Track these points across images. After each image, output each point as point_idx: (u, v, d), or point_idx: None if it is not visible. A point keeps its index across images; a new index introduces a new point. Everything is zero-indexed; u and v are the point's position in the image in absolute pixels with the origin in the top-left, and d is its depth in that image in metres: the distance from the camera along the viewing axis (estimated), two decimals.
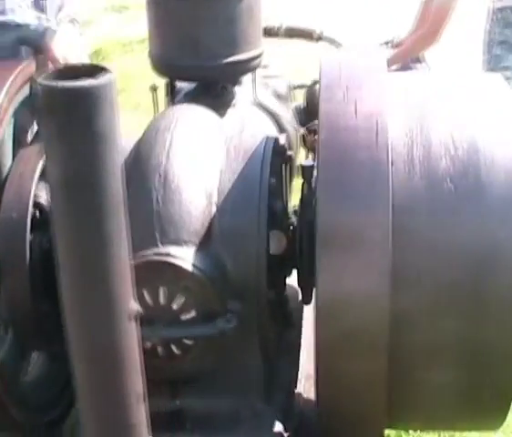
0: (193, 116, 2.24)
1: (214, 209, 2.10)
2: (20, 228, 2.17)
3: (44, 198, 2.25)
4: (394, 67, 4.23)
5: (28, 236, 2.18)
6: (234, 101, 2.68)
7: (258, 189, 2.11)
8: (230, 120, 2.57)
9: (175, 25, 2.45)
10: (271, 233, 2.11)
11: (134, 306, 1.54)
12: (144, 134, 2.20)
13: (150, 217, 2.04)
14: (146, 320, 2.00)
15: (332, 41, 3.24)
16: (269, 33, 3.18)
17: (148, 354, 2.06)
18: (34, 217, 2.22)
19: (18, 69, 2.23)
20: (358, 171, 1.85)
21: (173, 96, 2.71)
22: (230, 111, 2.64)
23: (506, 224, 1.86)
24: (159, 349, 2.06)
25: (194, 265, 1.99)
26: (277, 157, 2.23)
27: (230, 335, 2.00)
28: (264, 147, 2.20)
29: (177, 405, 2.17)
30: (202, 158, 2.15)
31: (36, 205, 2.24)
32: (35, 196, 2.24)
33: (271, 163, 2.16)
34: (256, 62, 2.57)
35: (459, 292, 1.88)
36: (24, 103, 2.31)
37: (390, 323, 1.85)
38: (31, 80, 2.30)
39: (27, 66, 2.30)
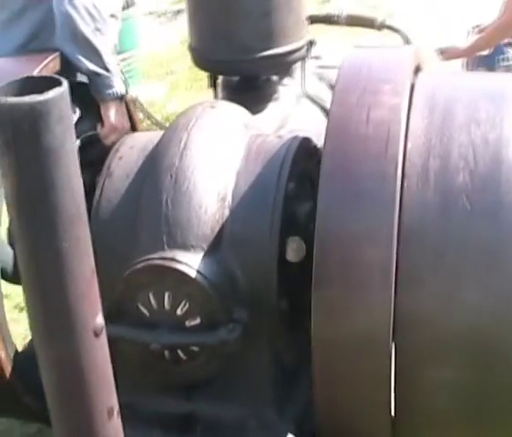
0: (215, 115, 2.16)
1: (227, 214, 2.02)
2: None
3: None
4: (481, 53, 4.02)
5: None
6: (278, 94, 2.58)
7: (273, 194, 2.02)
8: (269, 116, 2.49)
9: (210, 18, 2.39)
10: (289, 240, 2.01)
11: (100, 321, 1.51)
12: (164, 132, 2.16)
13: (159, 219, 1.99)
14: (151, 324, 2.00)
15: (395, 30, 3.06)
16: (329, 21, 3.04)
17: (157, 357, 2.05)
18: None
19: (44, 63, 2.23)
20: (362, 185, 1.73)
21: (215, 88, 2.65)
22: (271, 105, 2.55)
23: None
24: (166, 353, 2.02)
25: (199, 271, 1.93)
26: (303, 158, 2.13)
27: (232, 345, 1.93)
28: (287, 147, 2.10)
29: (188, 409, 2.14)
30: (218, 159, 2.08)
31: None
32: None
33: (293, 165, 2.06)
34: (296, 55, 2.47)
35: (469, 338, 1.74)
36: None
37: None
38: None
39: (53, 61, 2.29)
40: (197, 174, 2.02)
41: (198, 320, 1.96)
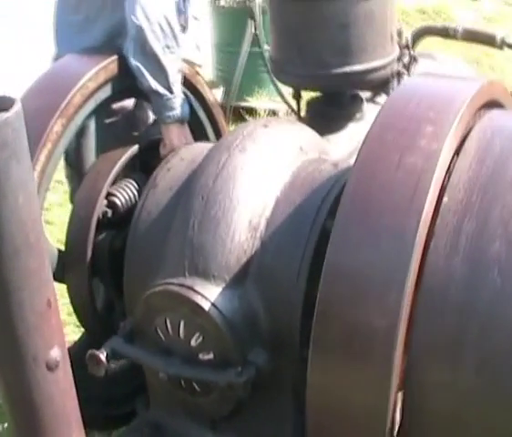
0: (264, 135, 2.00)
1: (257, 245, 1.87)
2: (85, 226, 2.14)
3: (120, 197, 2.20)
4: None
5: (92, 235, 2.15)
6: (362, 114, 2.38)
7: (308, 231, 1.84)
8: (344, 138, 2.30)
9: (285, 31, 2.24)
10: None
11: (56, 354, 1.43)
12: (209, 150, 2.03)
13: (184, 242, 1.88)
14: (166, 350, 1.90)
15: None
16: (445, 34, 2.78)
17: (174, 385, 1.95)
18: (105, 216, 2.18)
19: (102, 64, 2.17)
20: (377, 240, 1.51)
21: (298, 101, 2.48)
22: (351, 126, 2.35)
23: None
24: (182, 382, 1.92)
25: (215, 305, 1.80)
26: None
27: (239, 388, 1.79)
28: (335, 180, 1.91)
29: None
30: (257, 185, 1.92)
31: (111, 204, 2.19)
32: (110, 195, 2.19)
33: (336, 202, 1.86)
34: (379, 73, 2.25)
35: None
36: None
37: None
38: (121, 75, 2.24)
39: (113, 63, 2.23)
40: (228, 198, 1.88)
41: (211, 355, 1.84)
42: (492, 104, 1.82)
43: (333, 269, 1.56)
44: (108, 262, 2.19)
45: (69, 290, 2.22)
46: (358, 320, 1.52)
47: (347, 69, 2.19)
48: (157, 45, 2.23)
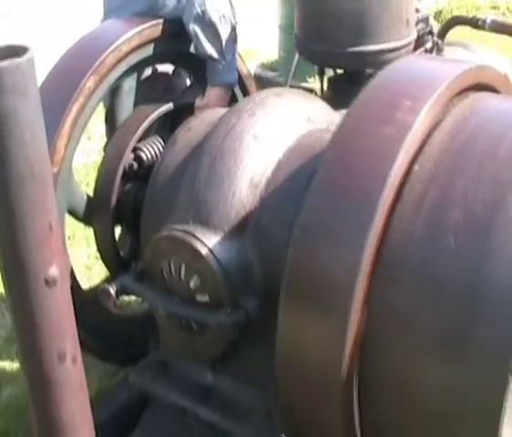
0: (275, 103, 2.17)
1: (256, 202, 2.05)
2: (111, 176, 2.36)
3: (146, 152, 2.41)
4: None
5: (117, 185, 2.36)
6: None
7: (302, 192, 1.99)
8: None
9: (308, 13, 2.42)
10: None
11: (54, 273, 1.64)
12: (224, 113, 2.22)
13: (192, 194, 2.07)
14: (169, 290, 2.10)
15: None
16: (474, 25, 2.88)
17: (174, 324, 2.16)
18: (131, 168, 2.40)
19: (138, 28, 2.38)
20: (345, 203, 1.68)
21: (322, 78, 2.65)
22: None
23: None
24: (183, 322, 2.12)
25: (211, 251, 1.99)
26: None
27: (228, 329, 1.98)
28: None
29: (210, 380, 2.22)
30: (261, 146, 2.10)
31: (137, 158, 2.41)
32: (137, 149, 2.40)
33: None
34: (392, 54, 2.38)
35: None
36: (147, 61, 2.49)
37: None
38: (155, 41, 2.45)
39: (150, 28, 2.43)
40: (233, 157, 2.06)
41: (207, 298, 2.03)
42: (482, 87, 1.94)
43: (305, 224, 1.73)
44: (132, 211, 2.41)
45: (96, 236, 2.45)
46: (322, 273, 1.68)
47: (362, 49, 2.35)
48: (215, 14, 2.45)
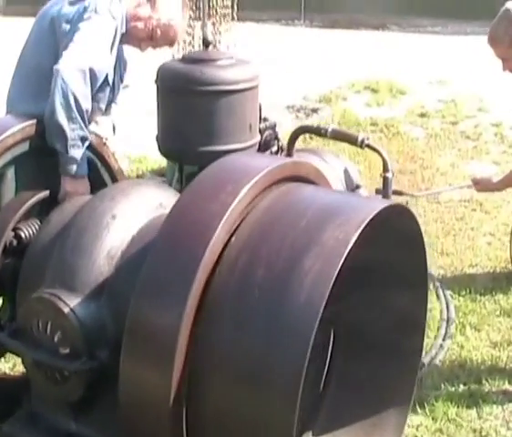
0: (132, 191, 2.65)
1: (112, 270, 2.47)
2: None
3: (24, 231, 2.80)
4: None
5: None
6: None
7: None
8: None
9: (165, 114, 2.87)
10: None
11: None
12: (91, 197, 2.69)
13: (59, 262, 2.48)
14: (36, 344, 2.46)
15: (375, 150, 3.36)
16: (319, 133, 3.40)
17: (41, 374, 2.50)
18: (11, 245, 2.78)
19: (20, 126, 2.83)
20: (172, 263, 2.13)
21: (181, 175, 3.10)
22: None
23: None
24: (48, 373, 2.47)
25: (73, 311, 2.38)
26: None
27: (84, 375, 2.35)
28: None
29: (74, 429, 2.56)
30: (118, 225, 2.53)
31: (17, 236, 2.80)
32: (17, 229, 2.80)
33: None
34: None
35: None
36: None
37: None
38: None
39: (29, 127, 2.90)
40: (94, 232, 2.49)
41: (68, 349, 2.40)
42: (299, 179, 2.41)
43: (142, 282, 2.15)
44: (11, 281, 2.77)
45: None
46: (153, 322, 2.12)
47: (211, 148, 2.82)
48: (62, 116, 2.89)
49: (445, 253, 5.15)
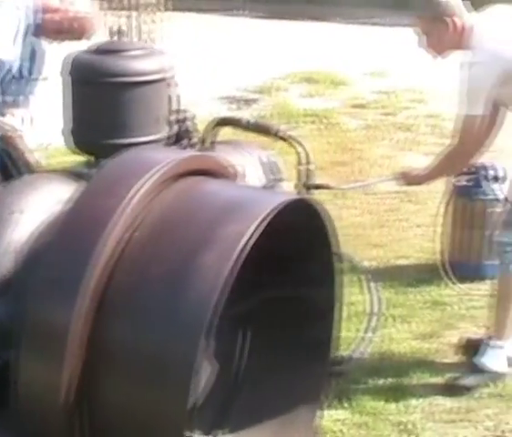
0: (39, 185, 2.57)
1: (18, 268, 2.38)
2: None
3: None
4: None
5: None
6: None
7: None
8: None
9: (75, 106, 2.80)
10: None
11: None
12: None
13: None
14: None
15: (288, 140, 3.32)
16: (239, 125, 3.33)
17: None
18: None
19: None
20: (64, 259, 2.08)
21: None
22: None
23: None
24: None
25: None
26: None
27: None
28: None
29: None
30: (27, 221, 2.44)
31: None
32: None
33: None
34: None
35: None
36: None
37: None
38: None
39: None
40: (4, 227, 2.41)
41: None
42: (202, 172, 2.35)
43: (38, 278, 2.07)
44: None
45: None
46: (46, 318, 2.05)
47: (117, 141, 2.72)
48: None
49: (376, 245, 5.15)
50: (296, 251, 2.44)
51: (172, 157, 2.25)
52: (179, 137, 3.00)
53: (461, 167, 4.02)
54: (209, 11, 12.18)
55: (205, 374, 2.55)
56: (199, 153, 2.39)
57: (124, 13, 5.73)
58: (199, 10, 12.09)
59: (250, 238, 1.96)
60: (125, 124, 2.73)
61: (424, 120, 7.79)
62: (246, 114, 7.96)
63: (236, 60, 9.44)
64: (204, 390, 2.57)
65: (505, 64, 3.37)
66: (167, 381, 1.95)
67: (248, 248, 1.96)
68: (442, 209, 4.52)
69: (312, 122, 7.68)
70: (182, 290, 1.95)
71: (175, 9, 9.23)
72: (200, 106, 8.09)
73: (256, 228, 1.96)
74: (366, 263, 4.87)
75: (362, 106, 8.18)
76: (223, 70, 9.05)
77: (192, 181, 2.26)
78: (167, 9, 6.31)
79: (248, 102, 8.28)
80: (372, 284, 4.57)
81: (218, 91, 8.42)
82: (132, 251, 2.06)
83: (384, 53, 9.46)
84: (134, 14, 5.81)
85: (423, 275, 4.74)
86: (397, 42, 10.25)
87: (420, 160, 6.42)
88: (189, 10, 11.72)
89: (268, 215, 1.98)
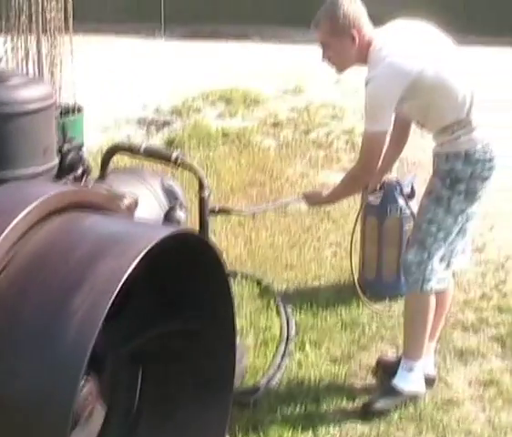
0: None
1: None
2: None
3: None
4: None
5: None
6: None
7: None
8: None
9: None
10: None
11: None
12: None
13: None
14: None
15: (188, 167, 3.21)
16: (131, 151, 3.21)
17: None
18: None
19: None
20: None
21: None
22: None
23: None
24: None
25: None
26: None
27: None
28: None
29: None
30: None
31: None
32: None
33: None
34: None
35: None
36: None
37: None
38: None
39: None
40: None
41: None
42: (83, 206, 2.20)
43: None
44: None
45: None
46: None
47: (2, 175, 2.57)
48: None
49: (289, 266, 5.06)
50: (188, 285, 2.33)
51: (48, 192, 2.10)
52: (70, 168, 2.86)
53: (363, 185, 3.92)
54: (128, 33, 11.99)
55: (102, 410, 2.45)
56: (79, 187, 2.24)
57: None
58: (118, 32, 11.90)
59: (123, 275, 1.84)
60: (11, 156, 2.60)
61: (339, 136, 7.78)
62: (159, 136, 7.86)
63: (152, 82, 9.28)
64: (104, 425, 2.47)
65: (404, 79, 3.30)
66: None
67: (120, 285, 1.84)
68: (356, 227, 4.46)
69: (228, 142, 7.57)
70: (57, 337, 1.83)
71: (88, 31, 9.05)
72: (112, 129, 7.97)
73: (129, 265, 1.83)
74: (279, 285, 4.82)
75: (277, 125, 8.11)
76: (135, 93, 8.88)
77: (71, 216, 2.12)
78: (75, 32, 6.03)
79: (163, 124, 8.13)
80: (284, 308, 4.50)
81: (134, 114, 8.26)
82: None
83: (302, 70, 9.42)
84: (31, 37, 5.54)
85: (337, 295, 4.66)
86: (314, 59, 10.30)
87: (335, 177, 6.42)
88: (110, 32, 11.61)
89: (142, 250, 1.85)
